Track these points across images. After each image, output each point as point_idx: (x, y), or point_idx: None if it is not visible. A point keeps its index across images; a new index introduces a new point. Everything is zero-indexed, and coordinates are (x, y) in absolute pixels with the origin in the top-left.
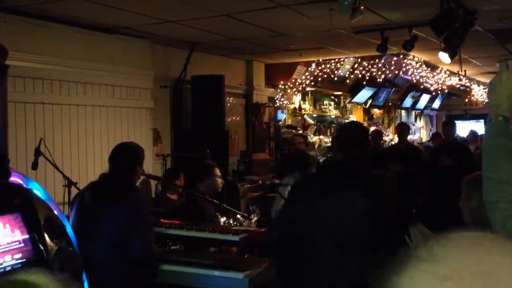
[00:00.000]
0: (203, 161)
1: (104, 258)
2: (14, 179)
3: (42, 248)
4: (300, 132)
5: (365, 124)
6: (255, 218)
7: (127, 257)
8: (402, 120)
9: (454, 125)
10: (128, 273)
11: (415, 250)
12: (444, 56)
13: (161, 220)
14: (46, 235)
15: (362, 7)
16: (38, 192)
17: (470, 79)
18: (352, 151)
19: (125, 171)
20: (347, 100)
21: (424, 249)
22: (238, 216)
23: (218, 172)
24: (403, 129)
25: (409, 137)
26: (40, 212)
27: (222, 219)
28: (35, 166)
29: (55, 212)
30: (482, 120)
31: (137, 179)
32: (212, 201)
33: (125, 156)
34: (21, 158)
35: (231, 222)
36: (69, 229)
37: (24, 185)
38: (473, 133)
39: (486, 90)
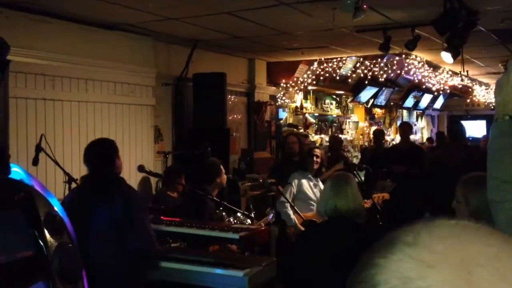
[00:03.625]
0: (205, 161)
1: (103, 254)
2: (15, 175)
3: (42, 244)
4: (301, 130)
5: (366, 123)
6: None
7: (126, 251)
8: (404, 120)
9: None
10: (128, 267)
11: (402, 235)
12: (446, 56)
13: (161, 217)
14: (46, 231)
15: (365, 6)
16: (38, 188)
17: (472, 80)
18: None
19: (103, 164)
20: (349, 99)
21: (410, 234)
22: (239, 214)
23: (222, 168)
24: (406, 129)
25: (411, 137)
26: (40, 208)
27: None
28: (36, 162)
29: (56, 209)
30: (484, 121)
31: (118, 170)
32: (213, 199)
33: (97, 150)
34: (22, 154)
35: (232, 220)
36: (69, 226)
37: (25, 181)
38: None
39: (490, 89)
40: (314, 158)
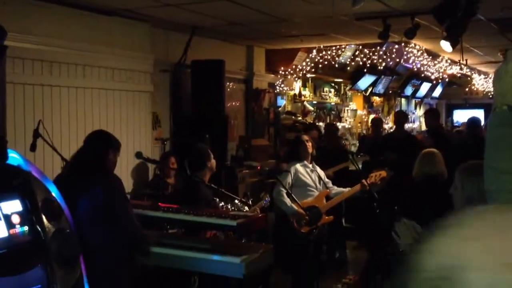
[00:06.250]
0: (194, 147)
1: (90, 241)
2: (12, 160)
3: (39, 229)
4: (300, 118)
5: (365, 112)
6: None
7: (113, 239)
8: (402, 108)
9: (436, 114)
10: (117, 254)
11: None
12: (446, 45)
13: (159, 204)
14: (43, 217)
15: None
16: (36, 174)
17: (471, 69)
18: None
19: (95, 154)
20: (348, 87)
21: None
22: (236, 201)
23: (210, 152)
24: (400, 118)
25: (409, 126)
26: (38, 194)
27: (220, 204)
28: (33, 147)
29: (53, 194)
30: (482, 110)
31: (109, 162)
32: (210, 186)
33: (91, 138)
34: (19, 140)
35: (229, 207)
36: (67, 211)
37: (23, 167)
38: None
39: (489, 78)
40: (307, 144)
